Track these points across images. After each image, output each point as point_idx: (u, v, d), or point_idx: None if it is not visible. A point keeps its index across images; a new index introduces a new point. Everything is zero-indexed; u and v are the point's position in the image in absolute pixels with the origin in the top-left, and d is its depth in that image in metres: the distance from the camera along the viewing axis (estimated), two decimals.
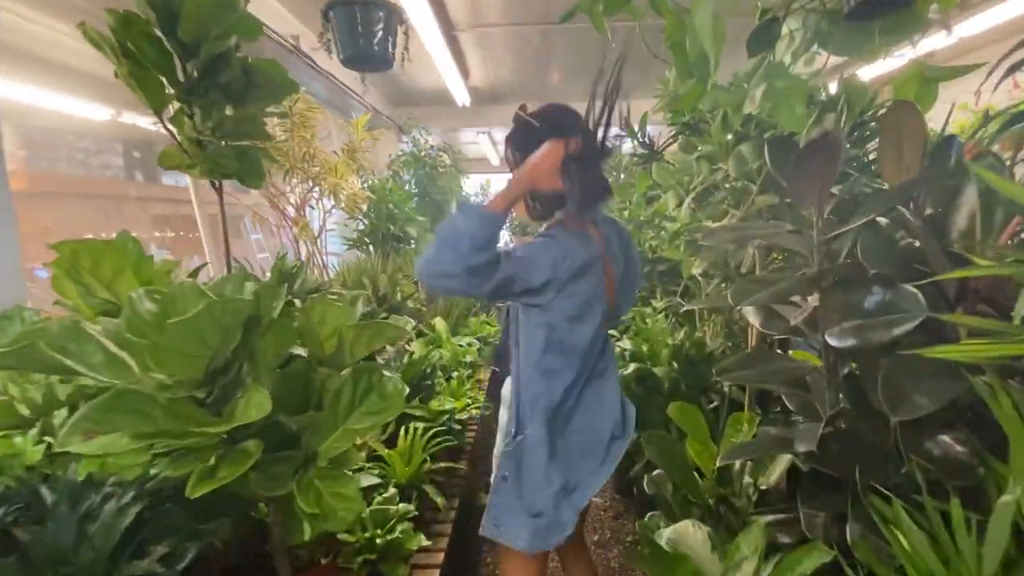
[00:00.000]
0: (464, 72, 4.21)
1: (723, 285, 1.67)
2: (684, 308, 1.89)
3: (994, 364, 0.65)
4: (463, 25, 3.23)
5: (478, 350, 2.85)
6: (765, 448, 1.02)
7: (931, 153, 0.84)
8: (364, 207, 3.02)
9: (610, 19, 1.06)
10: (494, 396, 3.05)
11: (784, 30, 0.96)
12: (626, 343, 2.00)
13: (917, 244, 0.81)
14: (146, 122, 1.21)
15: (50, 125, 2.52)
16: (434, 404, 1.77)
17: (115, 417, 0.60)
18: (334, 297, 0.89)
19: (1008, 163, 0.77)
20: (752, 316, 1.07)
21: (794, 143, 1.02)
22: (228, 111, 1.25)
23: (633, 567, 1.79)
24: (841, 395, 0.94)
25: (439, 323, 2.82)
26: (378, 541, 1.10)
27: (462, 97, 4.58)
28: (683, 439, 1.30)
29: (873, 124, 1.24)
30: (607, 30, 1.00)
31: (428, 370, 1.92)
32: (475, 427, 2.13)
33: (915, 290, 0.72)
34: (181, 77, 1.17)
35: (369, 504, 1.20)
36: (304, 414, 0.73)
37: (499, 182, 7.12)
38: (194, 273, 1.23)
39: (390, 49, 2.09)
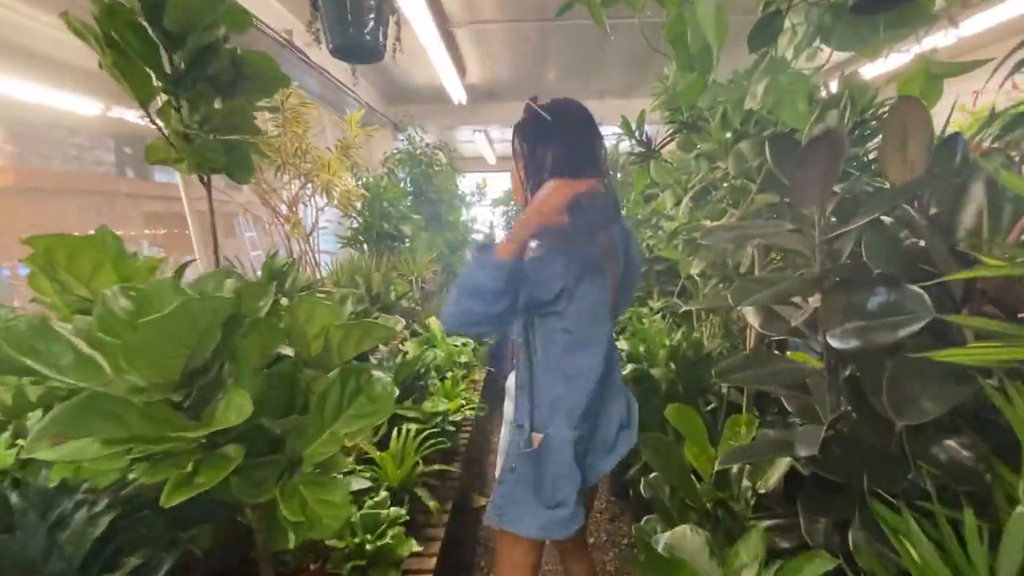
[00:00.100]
0: (460, 69, 4.17)
1: (721, 285, 1.65)
2: (683, 309, 1.87)
3: (1003, 367, 0.63)
4: (459, 21, 3.20)
5: (473, 350, 2.82)
6: (764, 452, 1.00)
7: (935, 151, 0.82)
8: (358, 205, 2.98)
9: (609, 13, 1.03)
10: (489, 397, 3.03)
11: (786, 24, 0.94)
12: (623, 344, 1.98)
13: (922, 243, 0.79)
14: (135, 116, 1.17)
15: (39, 120, 2.47)
16: (427, 405, 1.74)
17: (86, 421, 0.57)
18: (322, 295, 0.86)
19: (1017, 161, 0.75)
20: (751, 317, 1.05)
21: (796, 141, 1.00)
22: (217, 104, 1.22)
23: (629, 571, 1.77)
24: (842, 398, 0.92)
25: (433, 323, 2.79)
26: (368, 547, 1.07)
27: (458, 94, 4.54)
28: (680, 441, 1.28)
29: (874, 123, 1.22)
30: (606, 24, 0.97)
31: (422, 370, 1.89)
32: (469, 428, 2.10)
33: (921, 291, 0.70)
34: (168, 68, 1.14)
35: (359, 508, 1.17)
36: (289, 417, 0.70)
37: (496, 181, 7.09)
38: (180, 270, 1.19)
39: (381, 39, 2.04)
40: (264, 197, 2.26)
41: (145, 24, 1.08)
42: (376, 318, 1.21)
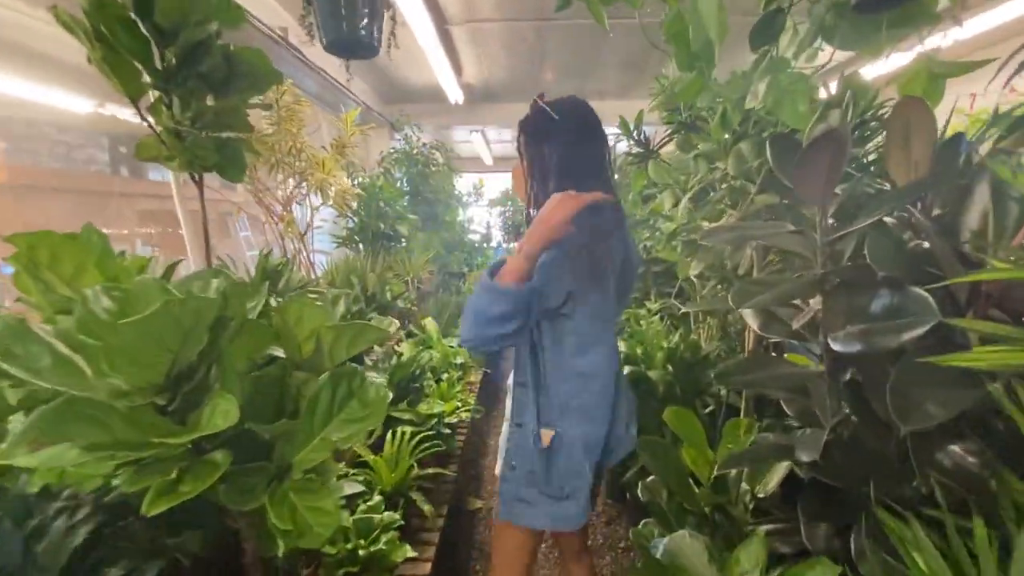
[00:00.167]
0: (457, 68, 4.15)
1: (719, 287, 1.63)
2: (681, 311, 1.86)
3: (1009, 372, 0.61)
4: (456, 19, 3.18)
5: (459, 343, 2.80)
6: (765, 456, 0.99)
7: (938, 152, 0.80)
8: (354, 204, 2.96)
9: (607, 13, 1.02)
10: (485, 399, 3.01)
11: (788, 23, 0.92)
12: (621, 345, 1.96)
13: (926, 245, 0.78)
14: (130, 114, 1.15)
15: (32, 117, 2.44)
16: (423, 407, 1.72)
17: (65, 426, 0.55)
18: (314, 296, 0.84)
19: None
20: (751, 319, 1.03)
21: (797, 141, 0.99)
22: (209, 101, 1.20)
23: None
24: (842, 402, 0.90)
25: (430, 323, 2.77)
26: (361, 552, 1.05)
27: (455, 94, 4.53)
28: (678, 444, 1.27)
29: (873, 123, 1.21)
30: (605, 21, 0.96)
31: (417, 372, 1.87)
32: (465, 430, 2.08)
33: (925, 294, 0.69)
34: (159, 64, 1.12)
35: (352, 513, 1.15)
36: (278, 422, 0.68)
37: (493, 181, 7.06)
38: (169, 270, 1.16)
39: (375, 35, 2.01)
40: (258, 196, 2.24)
41: (135, 19, 1.06)
42: (370, 319, 1.19)
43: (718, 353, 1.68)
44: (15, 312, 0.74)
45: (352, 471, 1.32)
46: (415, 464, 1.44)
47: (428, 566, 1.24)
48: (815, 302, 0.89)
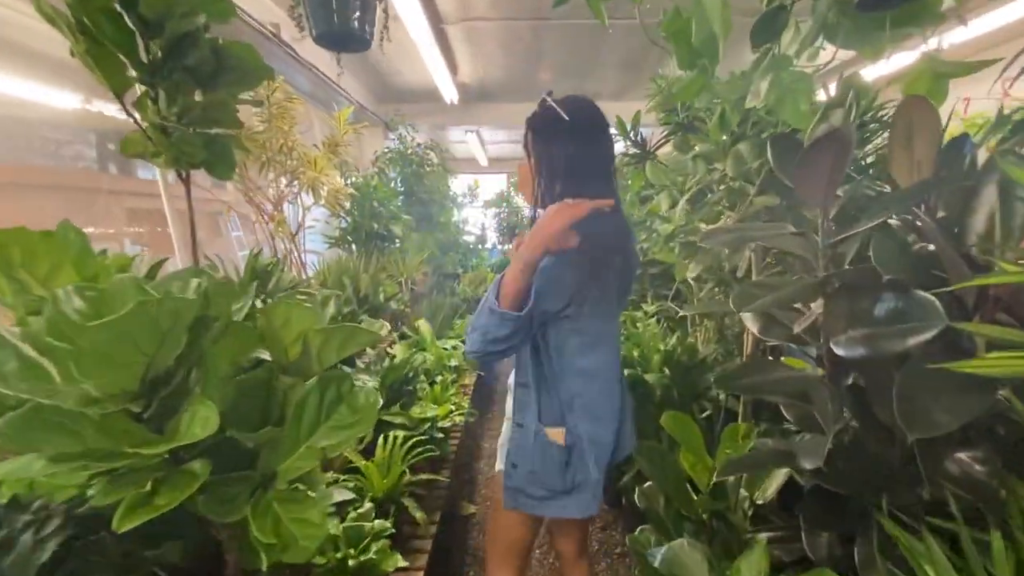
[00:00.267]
0: (452, 68, 4.13)
1: (716, 290, 1.62)
2: (680, 314, 1.84)
3: (1017, 378, 0.60)
4: (451, 18, 3.15)
5: (463, 353, 2.77)
6: (765, 462, 0.97)
7: (943, 153, 0.79)
8: (347, 204, 2.92)
9: (606, 9, 1.00)
10: (479, 402, 2.98)
11: (790, 21, 0.91)
12: None
13: (931, 248, 0.76)
14: (118, 110, 1.11)
15: (16, 113, 2.39)
16: (415, 411, 1.69)
17: (32, 435, 0.51)
18: (303, 297, 0.81)
19: None
20: (751, 322, 1.02)
21: (798, 141, 0.97)
22: (197, 96, 1.16)
23: None
24: (844, 408, 0.88)
25: (423, 325, 2.74)
26: (351, 562, 1.02)
27: (450, 94, 4.50)
28: (675, 449, 1.24)
29: (873, 125, 1.20)
30: (605, 17, 0.94)
31: (410, 374, 1.84)
32: (459, 434, 2.05)
33: (932, 297, 0.67)
34: (144, 57, 1.08)
35: (342, 520, 1.12)
36: (263, 429, 0.65)
37: (488, 182, 7.04)
38: (153, 269, 1.13)
39: (368, 27, 1.97)
40: (248, 195, 2.20)
41: (120, 10, 1.02)
42: (361, 321, 1.16)
43: (715, 356, 1.66)
44: None
45: (342, 477, 1.29)
46: (407, 470, 1.41)
47: (420, 575, 1.21)
48: (816, 305, 0.87)
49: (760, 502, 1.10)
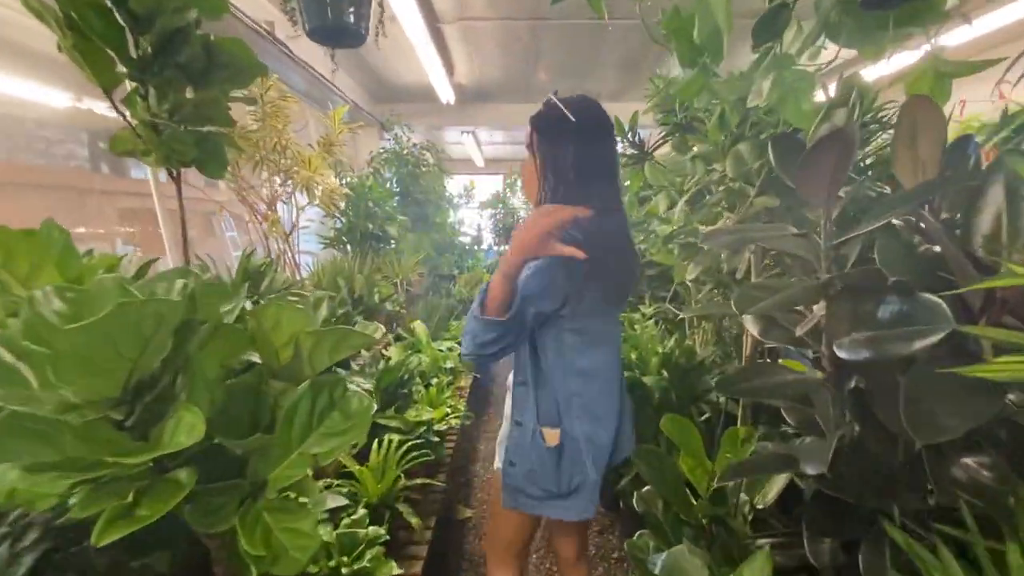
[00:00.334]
0: (449, 67, 4.11)
1: (715, 291, 1.61)
2: (679, 316, 1.83)
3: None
4: (448, 17, 3.13)
5: (460, 355, 2.74)
6: (767, 467, 0.95)
7: (947, 153, 0.78)
8: (341, 204, 2.89)
9: (605, 5, 0.98)
10: (475, 404, 2.96)
11: (792, 20, 0.90)
12: None
13: (936, 249, 0.75)
14: (108, 108, 1.09)
15: (7, 111, 2.35)
16: (411, 414, 1.66)
17: (8, 443, 0.49)
18: (295, 298, 0.79)
19: None
20: (751, 324, 1.00)
21: (800, 141, 0.96)
22: (188, 93, 1.14)
23: None
24: (846, 411, 0.87)
25: (419, 327, 2.71)
26: (344, 570, 0.99)
27: (446, 94, 4.48)
28: (674, 453, 1.23)
29: (873, 126, 1.19)
30: (604, 13, 0.92)
31: (406, 377, 1.81)
32: (455, 437, 2.03)
33: (938, 300, 0.66)
34: (134, 53, 1.06)
35: (336, 527, 1.09)
36: (252, 436, 0.62)
37: (484, 184, 7.01)
38: (142, 270, 1.10)
39: (362, 23, 1.94)
40: (241, 194, 2.17)
41: (109, 5, 1.00)
42: (355, 323, 1.14)
43: (714, 359, 1.65)
44: None
45: (336, 482, 1.26)
46: (402, 474, 1.39)
47: None
48: (818, 308, 0.86)
49: (760, 507, 1.09)
